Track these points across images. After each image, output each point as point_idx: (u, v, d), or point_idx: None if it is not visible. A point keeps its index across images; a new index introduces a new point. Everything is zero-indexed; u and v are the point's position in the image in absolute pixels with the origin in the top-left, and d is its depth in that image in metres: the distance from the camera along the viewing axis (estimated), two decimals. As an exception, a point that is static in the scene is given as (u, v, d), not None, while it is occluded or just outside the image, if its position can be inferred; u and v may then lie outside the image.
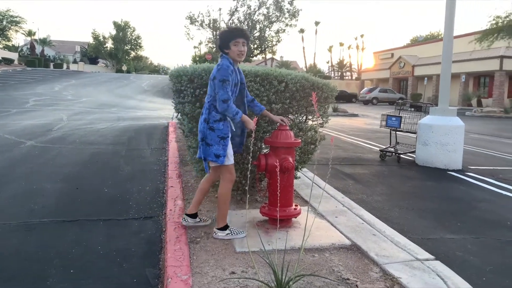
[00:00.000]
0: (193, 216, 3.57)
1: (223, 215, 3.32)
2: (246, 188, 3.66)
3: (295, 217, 3.57)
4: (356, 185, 5.59)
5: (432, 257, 3.11)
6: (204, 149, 3.22)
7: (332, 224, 3.67)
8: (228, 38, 3.17)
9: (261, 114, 3.56)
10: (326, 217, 3.83)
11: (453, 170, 6.75)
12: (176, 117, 4.33)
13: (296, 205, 3.61)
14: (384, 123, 7.84)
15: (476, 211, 4.69)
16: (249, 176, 3.38)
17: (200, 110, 3.74)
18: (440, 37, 51.70)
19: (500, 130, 15.10)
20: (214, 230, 3.34)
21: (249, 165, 3.25)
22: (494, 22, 23.58)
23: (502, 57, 30.72)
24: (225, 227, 3.31)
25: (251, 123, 3.13)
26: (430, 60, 37.84)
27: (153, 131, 9.37)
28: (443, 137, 6.88)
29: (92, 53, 63.35)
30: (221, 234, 3.28)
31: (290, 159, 3.43)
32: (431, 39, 51.00)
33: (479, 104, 31.60)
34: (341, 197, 4.62)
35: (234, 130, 3.31)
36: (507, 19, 23.28)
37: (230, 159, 3.22)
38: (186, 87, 3.70)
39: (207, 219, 3.66)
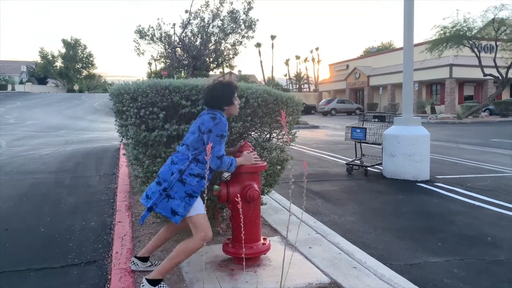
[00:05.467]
0: (144, 260, 3.02)
1: (165, 269, 2.66)
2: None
3: (264, 254, 3.08)
4: (326, 204, 5.20)
5: (423, 291, 2.72)
6: (161, 201, 2.61)
7: (306, 258, 3.20)
8: (233, 93, 2.86)
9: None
10: (299, 249, 3.37)
11: (422, 181, 6.53)
12: (121, 141, 3.78)
13: (264, 239, 3.12)
14: (349, 135, 7.56)
15: (452, 226, 4.41)
16: (206, 204, 2.84)
17: (146, 133, 3.20)
18: (391, 47, 53.69)
19: (456, 136, 15.42)
20: (143, 280, 2.65)
21: (205, 194, 2.58)
22: (442, 32, 24.52)
23: (451, 65, 32.07)
24: (157, 282, 2.63)
25: (250, 158, 2.95)
26: (384, 70, 38.98)
27: (103, 155, 8.61)
28: (410, 147, 6.67)
29: (41, 73, 60.21)
30: None
31: (256, 186, 2.95)
32: (384, 49, 52.70)
33: (433, 111, 32.73)
34: (313, 221, 4.18)
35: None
36: (454, 29, 24.28)
37: (201, 209, 2.66)
38: (129, 107, 3.14)
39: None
